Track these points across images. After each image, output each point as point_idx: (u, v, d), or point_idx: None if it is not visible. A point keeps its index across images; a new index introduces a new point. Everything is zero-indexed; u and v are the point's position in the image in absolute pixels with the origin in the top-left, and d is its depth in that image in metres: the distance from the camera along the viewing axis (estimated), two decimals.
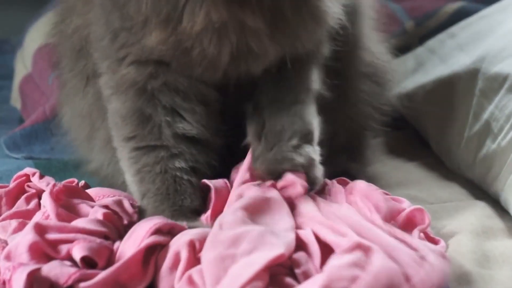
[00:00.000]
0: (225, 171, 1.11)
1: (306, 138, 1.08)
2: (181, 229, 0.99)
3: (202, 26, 1.01)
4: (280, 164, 1.05)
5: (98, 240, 0.97)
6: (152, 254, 0.95)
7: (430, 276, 0.88)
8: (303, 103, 1.11)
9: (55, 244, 0.96)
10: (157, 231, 0.96)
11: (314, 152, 1.08)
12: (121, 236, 1.01)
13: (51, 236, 0.96)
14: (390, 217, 1.03)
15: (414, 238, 1.00)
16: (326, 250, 0.94)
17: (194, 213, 1.07)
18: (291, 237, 0.95)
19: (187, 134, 1.08)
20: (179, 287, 0.91)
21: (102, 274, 0.92)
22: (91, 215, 1.03)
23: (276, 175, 1.05)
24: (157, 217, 1.00)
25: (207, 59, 1.03)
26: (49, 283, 0.91)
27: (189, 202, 1.07)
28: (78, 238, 0.96)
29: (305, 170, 1.05)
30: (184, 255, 0.93)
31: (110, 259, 0.96)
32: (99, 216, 1.02)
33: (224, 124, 1.12)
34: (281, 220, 0.99)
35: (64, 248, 0.96)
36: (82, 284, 0.91)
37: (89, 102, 1.18)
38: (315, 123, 1.11)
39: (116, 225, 1.02)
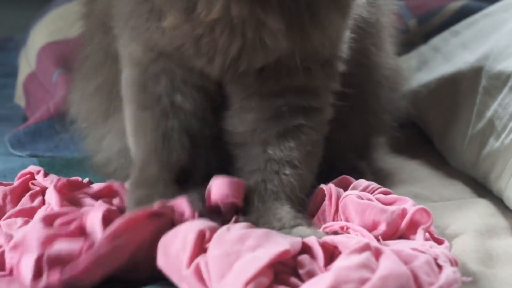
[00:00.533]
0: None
1: (295, 223, 1.06)
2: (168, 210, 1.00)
3: (217, 15, 1.02)
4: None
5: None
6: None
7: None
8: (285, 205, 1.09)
9: (63, 224, 0.97)
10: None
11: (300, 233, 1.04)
12: None
13: (60, 220, 0.97)
14: (394, 229, 1.03)
15: (420, 239, 1.00)
16: (330, 254, 0.94)
17: (182, 173, 1.09)
18: (297, 239, 0.95)
19: (184, 107, 1.10)
20: (186, 274, 0.92)
21: (108, 229, 0.93)
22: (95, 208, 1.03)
23: None
24: (141, 190, 1.05)
25: (215, 49, 1.04)
26: (60, 261, 0.92)
27: (176, 158, 1.10)
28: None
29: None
30: (191, 238, 0.93)
31: None
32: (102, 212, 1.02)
33: (221, 108, 1.13)
34: None
35: (73, 224, 0.96)
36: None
37: (112, 77, 1.20)
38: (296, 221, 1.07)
39: None
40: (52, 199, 1.05)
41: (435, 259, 0.92)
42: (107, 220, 0.96)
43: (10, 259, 0.94)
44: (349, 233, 1.02)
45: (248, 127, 1.11)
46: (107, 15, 1.17)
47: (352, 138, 1.28)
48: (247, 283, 0.86)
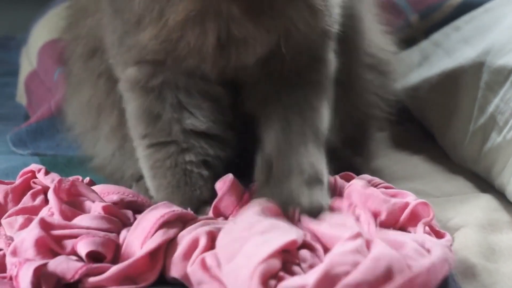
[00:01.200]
0: (238, 165, 1.12)
1: (315, 177, 1.07)
2: (190, 216, 1.00)
3: (183, 16, 1.02)
4: (287, 206, 1.04)
5: (102, 233, 0.97)
6: (160, 248, 0.96)
7: (433, 266, 0.87)
8: (311, 145, 1.09)
9: (60, 239, 0.97)
10: (164, 224, 0.97)
11: (321, 193, 1.07)
12: (125, 225, 1.02)
13: (56, 232, 0.97)
14: (393, 219, 1.04)
15: (419, 233, 1.00)
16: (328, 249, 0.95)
17: (205, 205, 1.08)
18: (301, 232, 0.97)
19: (196, 130, 1.10)
20: (191, 269, 0.93)
21: (111, 270, 0.92)
22: (93, 211, 1.03)
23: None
24: (162, 204, 1.02)
25: (193, 50, 1.04)
26: (56, 278, 0.92)
27: (199, 193, 1.09)
28: (82, 233, 0.97)
29: (311, 211, 1.04)
30: (202, 242, 0.94)
31: (117, 251, 0.97)
32: (99, 210, 1.02)
33: (234, 118, 1.12)
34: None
35: (69, 244, 0.96)
36: (91, 279, 0.92)
37: (100, 91, 1.20)
38: (323, 166, 1.09)
39: (118, 216, 1.03)
40: (52, 203, 1.05)
41: (422, 245, 0.93)
42: (94, 253, 0.96)
43: (10, 265, 0.95)
44: (354, 210, 1.04)
45: (261, 97, 1.10)
46: (95, 39, 1.16)
47: (341, 129, 1.24)
48: (259, 264, 0.87)
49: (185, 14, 1.02)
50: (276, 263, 0.89)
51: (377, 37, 1.30)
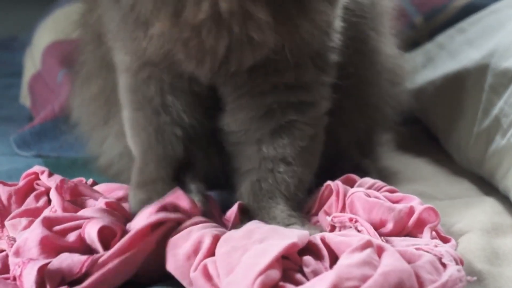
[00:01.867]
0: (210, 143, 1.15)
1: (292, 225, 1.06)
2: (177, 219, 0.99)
3: (206, 15, 1.02)
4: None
5: (107, 218, 0.98)
6: (158, 227, 0.96)
7: (445, 286, 0.87)
8: (280, 206, 1.09)
9: (63, 233, 0.97)
10: (163, 208, 0.97)
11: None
12: (128, 220, 1.02)
13: (59, 227, 0.97)
14: (401, 227, 1.03)
15: (426, 238, 1.00)
16: (334, 254, 0.94)
17: (179, 165, 1.11)
18: (305, 232, 0.96)
19: (175, 106, 1.12)
20: (194, 276, 0.92)
21: (111, 251, 0.93)
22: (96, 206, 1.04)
23: None
24: (142, 193, 1.07)
25: (204, 51, 1.04)
26: (60, 276, 0.92)
27: (171, 151, 1.11)
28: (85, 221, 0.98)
29: None
30: (206, 243, 0.94)
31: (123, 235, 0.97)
32: (102, 204, 1.03)
33: (213, 108, 1.13)
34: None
35: (72, 235, 0.97)
36: (100, 260, 0.92)
37: (110, 82, 1.21)
38: (295, 219, 1.08)
39: (121, 212, 1.04)
40: (54, 200, 1.06)
41: (440, 258, 0.92)
42: (104, 233, 0.96)
43: (13, 266, 0.94)
44: (357, 226, 1.03)
45: (241, 126, 1.11)
46: (100, 26, 1.18)
47: (353, 134, 1.27)
48: (258, 276, 0.86)
49: (210, 13, 1.02)
50: (275, 273, 0.88)
51: (392, 48, 1.31)
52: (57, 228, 0.98)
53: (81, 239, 0.97)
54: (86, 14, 1.26)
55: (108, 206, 1.04)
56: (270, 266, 0.87)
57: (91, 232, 0.96)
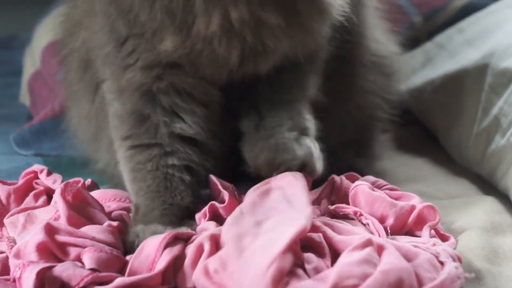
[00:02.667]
0: (219, 174, 1.11)
1: (304, 132, 1.08)
2: (189, 234, 0.99)
3: (218, 26, 1.01)
4: (281, 153, 1.05)
5: (108, 248, 0.97)
6: (169, 267, 0.95)
7: (444, 284, 0.87)
8: (300, 102, 1.11)
9: (64, 246, 0.96)
10: (167, 245, 0.96)
11: (313, 144, 1.08)
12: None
13: (61, 238, 0.97)
14: (401, 223, 1.03)
15: (425, 236, 1.00)
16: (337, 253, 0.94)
17: (185, 211, 1.07)
18: (309, 210, 0.95)
19: (183, 134, 1.09)
20: (195, 276, 0.92)
21: (117, 281, 0.91)
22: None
23: (274, 167, 1.05)
24: (157, 226, 1.02)
25: (217, 60, 1.04)
26: (60, 283, 0.92)
27: (180, 199, 1.07)
28: (88, 244, 0.96)
29: (305, 162, 1.05)
30: (207, 247, 0.94)
31: (122, 267, 0.96)
32: (106, 226, 1.02)
33: (222, 128, 1.12)
34: (297, 194, 0.99)
35: (73, 251, 0.96)
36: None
37: (96, 105, 1.19)
38: (311, 120, 1.11)
39: (122, 235, 1.03)
40: (59, 207, 1.04)
41: (437, 257, 0.92)
42: (102, 264, 0.95)
43: (13, 267, 0.94)
44: (361, 219, 1.03)
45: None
46: (87, 52, 1.15)
47: (343, 133, 1.25)
48: (272, 263, 0.86)
49: (222, 24, 1.01)
50: (289, 259, 0.88)
51: (380, 35, 1.30)
52: (59, 238, 0.97)
53: (80, 258, 0.96)
54: (67, 38, 1.22)
55: (110, 227, 1.02)
56: (284, 252, 0.87)
57: (89, 261, 0.94)
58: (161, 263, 0.94)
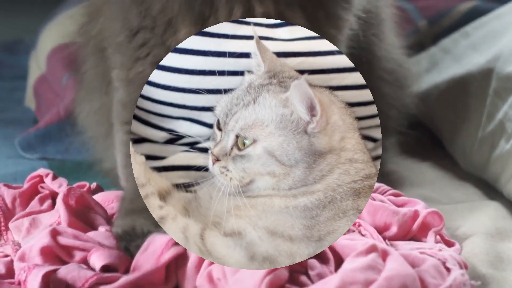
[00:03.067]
0: None
1: None
2: None
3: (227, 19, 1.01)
4: None
5: (114, 250, 0.97)
6: (173, 263, 0.96)
7: None
8: None
9: (69, 249, 0.97)
10: (174, 244, 0.96)
11: None
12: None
13: (66, 241, 0.97)
14: (405, 231, 1.03)
15: (430, 242, 1.00)
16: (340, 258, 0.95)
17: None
18: None
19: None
20: (199, 282, 0.92)
21: (122, 279, 0.92)
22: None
23: None
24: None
25: None
26: (65, 285, 0.92)
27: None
28: (94, 246, 0.97)
29: None
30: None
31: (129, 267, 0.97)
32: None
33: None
34: None
35: (78, 254, 0.96)
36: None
37: (110, 98, 1.18)
38: None
39: None
40: (60, 213, 1.05)
41: (444, 263, 0.92)
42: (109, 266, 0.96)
43: (18, 270, 0.95)
44: (360, 230, 1.03)
45: None
46: (102, 40, 1.15)
47: None
48: (266, 275, 0.86)
49: (242, 17, 1.01)
50: (283, 273, 0.88)
51: (395, 51, 1.31)
52: (64, 240, 0.97)
53: (86, 260, 0.97)
54: (86, 24, 1.23)
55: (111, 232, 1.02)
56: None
57: (96, 263, 0.95)
58: (166, 257, 0.94)
